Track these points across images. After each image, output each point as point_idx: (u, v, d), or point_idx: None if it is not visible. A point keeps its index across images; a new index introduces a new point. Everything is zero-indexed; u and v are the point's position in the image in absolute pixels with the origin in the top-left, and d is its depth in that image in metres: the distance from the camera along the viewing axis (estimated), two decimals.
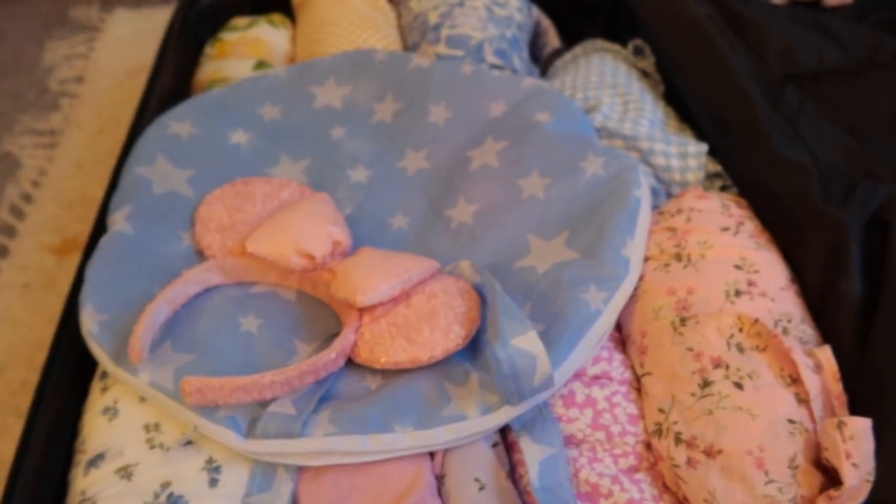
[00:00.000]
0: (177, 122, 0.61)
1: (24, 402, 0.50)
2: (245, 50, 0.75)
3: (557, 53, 0.78)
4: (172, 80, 0.72)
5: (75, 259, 0.55)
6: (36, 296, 0.72)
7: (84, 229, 0.58)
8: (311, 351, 0.48)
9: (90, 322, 0.47)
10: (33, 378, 0.51)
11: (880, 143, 0.62)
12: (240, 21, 0.79)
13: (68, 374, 0.50)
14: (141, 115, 0.67)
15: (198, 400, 0.42)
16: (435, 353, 0.45)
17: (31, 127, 0.89)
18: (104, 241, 0.52)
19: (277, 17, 0.80)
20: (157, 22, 0.89)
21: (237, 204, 0.55)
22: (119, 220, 0.53)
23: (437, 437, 0.42)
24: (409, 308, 0.47)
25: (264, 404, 0.44)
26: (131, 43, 1.00)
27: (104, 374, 0.49)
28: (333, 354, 0.44)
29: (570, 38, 0.79)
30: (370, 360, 0.46)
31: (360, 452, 0.42)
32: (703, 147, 0.58)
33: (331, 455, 0.43)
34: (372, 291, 0.46)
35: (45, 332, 0.56)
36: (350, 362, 0.47)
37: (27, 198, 0.81)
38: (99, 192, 0.60)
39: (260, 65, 0.75)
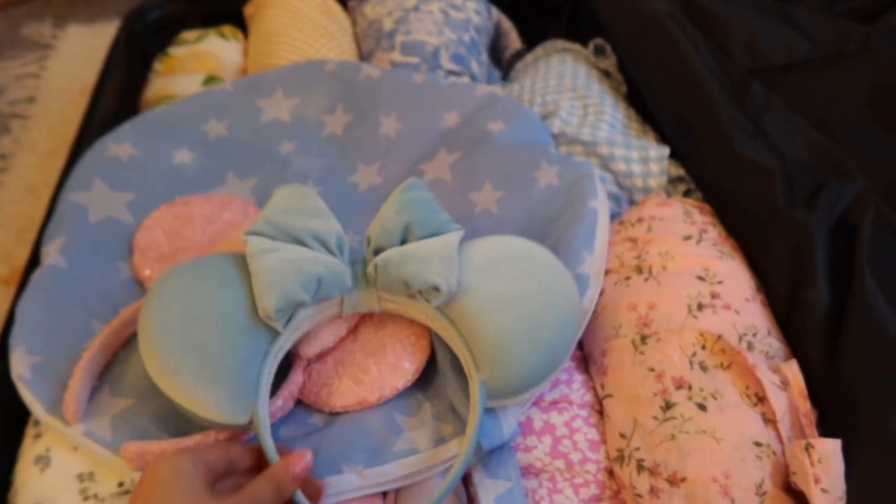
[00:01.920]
0: (116, 144, 0.58)
1: None
2: (194, 65, 0.73)
3: (519, 55, 0.76)
4: (116, 99, 0.69)
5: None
6: None
7: (25, 265, 0.55)
8: None
9: (21, 365, 0.44)
10: None
11: (850, 134, 0.60)
12: (189, 35, 0.76)
13: (1, 420, 0.47)
14: (82, 138, 0.64)
15: (139, 466, 0.39)
16: (383, 393, 0.43)
17: None
18: (36, 276, 0.49)
19: (228, 30, 0.77)
20: (110, 38, 0.86)
21: (176, 229, 0.52)
22: (52, 253, 0.50)
23: (388, 473, 0.40)
24: (355, 343, 0.44)
25: None
26: (84, 60, 0.97)
27: (36, 422, 0.46)
28: (280, 401, 0.42)
29: (533, 38, 0.76)
30: (318, 403, 0.43)
31: None
32: (665, 150, 0.56)
33: None
34: (315, 340, 0.44)
35: None
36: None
37: None
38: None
39: (210, 80, 0.72)
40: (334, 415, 0.43)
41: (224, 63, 0.74)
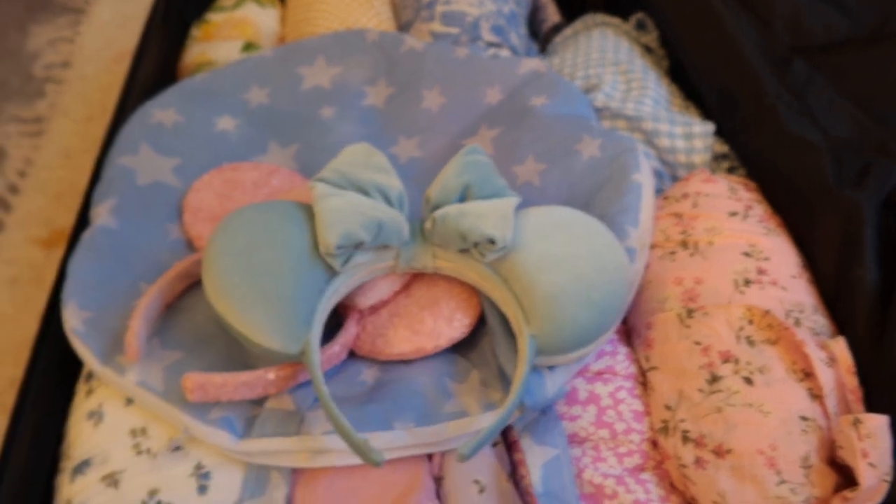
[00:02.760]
0: (160, 110, 0.58)
1: (12, 400, 0.48)
2: (232, 31, 0.73)
3: (557, 29, 0.75)
4: (156, 65, 0.69)
5: (64, 252, 0.54)
6: (24, 291, 0.70)
7: (73, 221, 0.56)
8: None
9: (74, 319, 0.45)
10: (21, 375, 0.49)
11: (892, 115, 0.60)
12: (226, 1, 0.76)
13: (53, 375, 0.48)
14: (124, 104, 0.64)
15: (200, 397, 0.40)
16: (439, 343, 0.44)
17: (16, 115, 0.87)
18: (87, 235, 0.50)
19: None
20: (143, 4, 0.86)
21: (227, 191, 0.53)
22: (102, 214, 0.51)
23: (439, 433, 0.41)
24: (409, 298, 0.45)
25: (260, 402, 0.42)
26: (117, 26, 0.97)
27: (89, 376, 0.47)
28: (337, 347, 0.43)
29: (571, 12, 0.76)
30: (373, 352, 0.44)
31: None
32: (710, 127, 0.55)
33: (328, 455, 0.41)
34: (371, 292, 0.45)
35: (33, 329, 0.54)
36: (349, 355, 0.45)
37: (13, 189, 0.79)
38: (87, 183, 0.58)
39: (248, 47, 0.72)
40: (384, 373, 0.44)
41: (261, 30, 0.74)
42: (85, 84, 0.90)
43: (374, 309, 0.45)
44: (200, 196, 0.52)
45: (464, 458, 0.37)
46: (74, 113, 0.87)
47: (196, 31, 0.74)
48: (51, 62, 0.93)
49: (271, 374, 0.41)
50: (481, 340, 0.44)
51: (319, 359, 0.40)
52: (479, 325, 0.45)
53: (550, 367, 0.42)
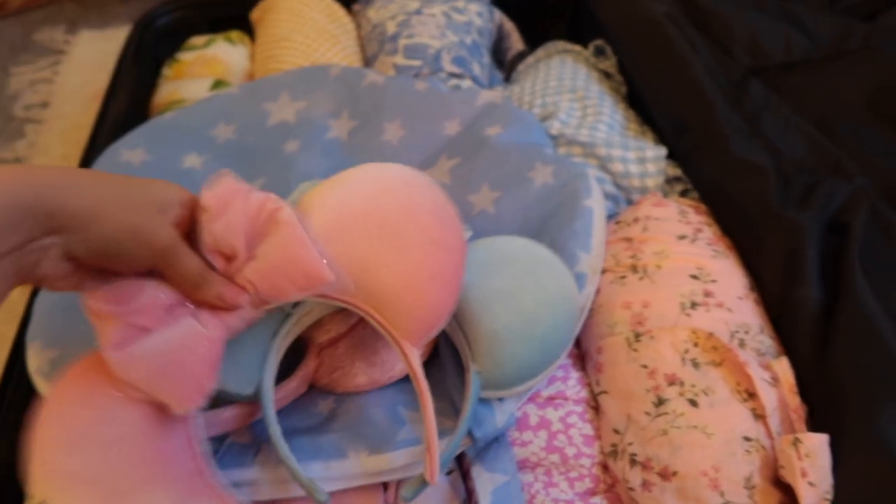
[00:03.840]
0: (128, 150, 0.60)
1: None
2: (202, 69, 0.74)
3: (521, 56, 0.77)
4: (127, 104, 0.71)
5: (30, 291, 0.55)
6: None
7: None
8: None
9: (39, 359, 0.46)
10: None
11: (850, 132, 0.61)
12: (197, 40, 0.78)
13: (18, 415, 0.49)
14: (94, 142, 0.66)
15: None
16: (393, 374, 0.45)
17: None
18: None
19: (235, 35, 0.79)
20: (121, 43, 0.88)
21: None
22: None
23: (393, 461, 0.41)
24: (366, 328, 0.46)
25: (222, 438, 0.43)
26: (96, 65, 0.98)
27: None
28: (295, 383, 0.44)
29: (535, 39, 0.77)
30: (331, 385, 0.45)
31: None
32: (662, 151, 0.57)
33: (284, 485, 0.42)
34: (328, 325, 0.46)
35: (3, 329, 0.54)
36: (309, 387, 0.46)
37: None
38: None
39: (217, 84, 0.73)
40: (338, 404, 0.44)
41: (231, 67, 0.76)
42: (63, 123, 0.92)
43: (332, 341, 0.46)
44: None
45: (406, 499, 0.38)
46: (53, 151, 0.88)
47: (167, 70, 0.76)
48: (31, 102, 0.95)
49: (228, 412, 0.42)
50: (434, 371, 0.45)
51: (272, 398, 0.41)
52: (434, 356, 0.46)
53: (500, 399, 0.42)
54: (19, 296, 0.73)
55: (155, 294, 0.35)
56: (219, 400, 0.42)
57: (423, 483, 0.38)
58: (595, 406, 0.46)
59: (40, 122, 0.92)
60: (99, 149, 0.63)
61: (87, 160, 0.64)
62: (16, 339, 0.52)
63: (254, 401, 0.41)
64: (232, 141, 0.61)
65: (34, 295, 0.52)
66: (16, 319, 0.71)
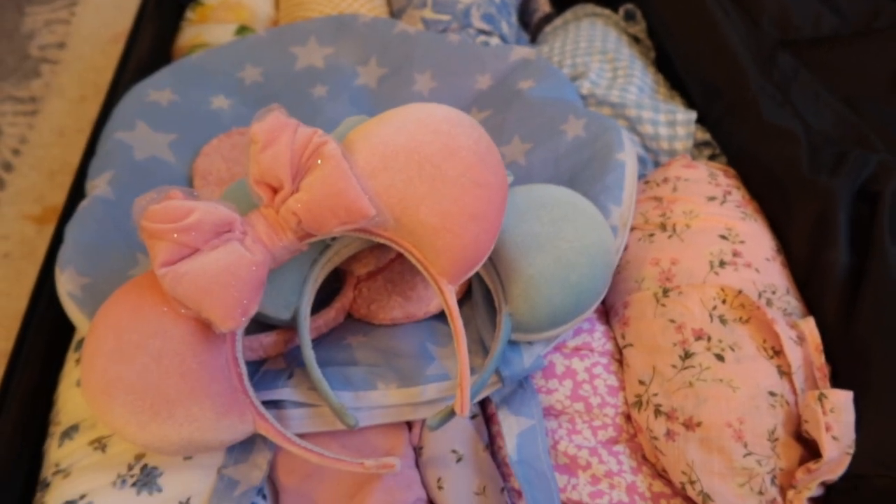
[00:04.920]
0: (155, 90, 0.59)
1: (2, 370, 0.49)
2: (226, 14, 0.74)
3: (548, 19, 0.76)
4: (151, 46, 0.70)
5: (56, 226, 0.54)
6: (16, 265, 0.71)
7: (65, 199, 0.57)
8: None
9: (71, 284, 0.46)
10: (12, 347, 0.50)
11: (876, 110, 0.61)
12: None
13: (43, 344, 0.49)
14: (118, 83, 0.65)
15: None
16: (429, 309, 0.45)
17: (11, 94, 0.87)
18: (84, 205, 0.51)
19: None
20: None
21: (234, 156, 0.54)
22: (100, 186, 0.52)
23: (420, 394, 0.42)
24: (403, 264, 0.47)
25: (260, 364, 0.44)
26: (113, 8, 0.97)
27: (79, 345, 0.48)
28: (333, 312, 0.45)
29: (562, 2, 0.77)
30: (368, 317, 0.46)
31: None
32: (692, 115, 0.57)
33: (313, 418, 0.42)
34: (366, 259, 0.46)
35: (25, 302, 0.55)
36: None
37: (7, 166, 0.80)
38: (80, 160, 0.59)
39: (242, 30, 0.73)
40: (370, 338, 0.45)
41: (256, 14, 0.75)
42: (80, 64, 0.91)
43: (371, 275, 0.47)
44: (210, 160, 0.54)
45: (432, 428, 0.39)
46: (69, 93, 0.87)
47: (191, 14, 0.75)
48: (46, 42, 0.94)
49: (268, 338, 0.43)
50: (465, 310, 0.45)
51: (308, 323, 0.42)
52: (466, 296, 0.46)
53: (529, 342, 0.43)
54: (37, 235, 0.73)
55: (204, 216, 0.35)
56: (258, 325, 0.43)
57: (450, 414, 0.39)
58: (619, 359, 0.46)
59: (56, 63, 0.91)
60: (122, 88, 0.63)
61: (111, 101, 0.64)
62: (41, 273, 0.52)
63: (291, 326, 0.42)
64: (259, 84, 0.61)
65: (59, 230, 0.52)
66: (33, 255, 0.72)
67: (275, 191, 0.37)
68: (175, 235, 0.35)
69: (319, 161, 0.37)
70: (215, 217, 0.36)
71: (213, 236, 0.35)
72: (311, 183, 0.37)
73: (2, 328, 0.66)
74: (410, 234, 0.38)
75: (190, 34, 0.73)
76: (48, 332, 0.49)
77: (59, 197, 0.76)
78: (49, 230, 0.73)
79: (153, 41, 0.72)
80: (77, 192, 0.55)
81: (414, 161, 0.38)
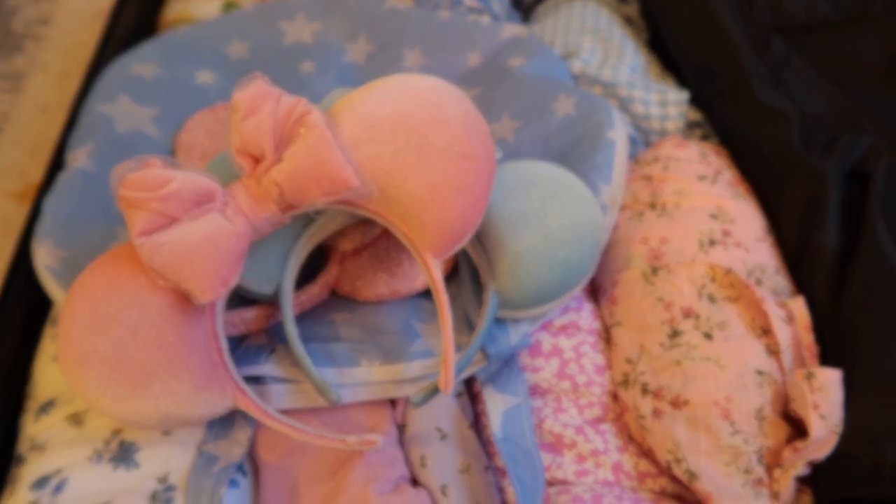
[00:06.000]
0: (140, 64, 0.58)
1: None
2: None
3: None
4: (136, 20, 0.69)
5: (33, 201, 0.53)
6: None
7: (44, 173, 0.56)
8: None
9: (49, 257, 0.44)
10: None
11: (868, 96, 0.61)
12: None
13: (20, 319, 0.48)
14: (101, 57, 0.64)
15: None
16: (415, 286, 0.45)
17: None
18: (63, 177, 0.50)
19: None
20: None
21: (218, 130, 0.53)
22: (80, 158, 0.51)
23: (406, 371, 0.41)
24: (389, 240, 0.46)
25: (241, 340, 0.43)
26: None
27: (56, 320, 0.47)
28: (317, 288, 0.44)
29: None
30: (353, 293, 0.45)
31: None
32: (684, 95, 0.56)
33: (294, 394, 0.42)
34: (352, 235, 0.45)
35: (2, 278, 0.54)
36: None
37: None
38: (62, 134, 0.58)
39: (229, 6, 0.71)
40: (354, 314, 0.44)
41: None
42: (64, 40, 0.89)
43: (356, 251, 0.46)
44: (193, 134, 0.53)
45: (416, 404, 0.38)
46: (53, 69, 0.86)
47: None
48: (30, 18, 0.92)
49: (250, 313, 0.42)
50: (451, 287, 0.45)
51: (291, 298, 0.41)
52: (453, 274, 0.45)
53: (515, 319, 0.42)
54: (16, 212, 0.72)
55: (184, 185, 0.34)
56: (239, 300, 0.42)
57: (434, 390, 0.38)
58: (606, 338, 0.46)
59: (40, 39, 0.90)
60: (105, 62, 0.62)
61: (93, 75, 0.62)
62: (18, 247, 0.51)
63: (273, 301, 0.41)
64: (246, 59, 0.60)
65: (37, 204, 0.51)
66: (13, 232, 0.70)
67: (257, 161, 0.37)
68: (154, 204, 0.34)
69: (303, 130, 0.36)
70: (195, 186, 0.35)
71: (192, 206, 0.34)
72: (294, 153, 0.36)
73: None
74: (396, 206, 0.38)
75: (176, 9, 0.71)
76: (25, 308, 0.48)
77: (40, 174, 0.75)
78: (29, 208, 0.72)
79: (138, 16, 0.71)
80: (56, 167, 0.54)
81: (400, 131, 0.37)
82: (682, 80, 0.60)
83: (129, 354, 0.35)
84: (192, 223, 0.34)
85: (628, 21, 0.67)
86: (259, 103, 0.36)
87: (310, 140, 0.36)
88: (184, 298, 0.36)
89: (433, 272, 0.38)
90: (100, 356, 0.35)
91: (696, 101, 0.57)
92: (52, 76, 0.85)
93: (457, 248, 0.39)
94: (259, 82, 0.37)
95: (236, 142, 0.36)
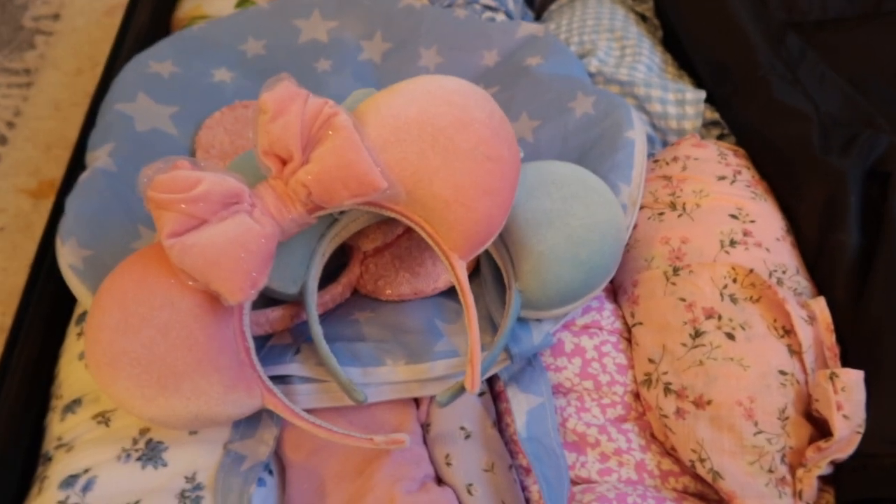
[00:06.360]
0: (156, 62, 0.58)
1: (2, 345, 0.49)
2: None
3: None
4: (149, 17, 0.69)
5: (52, 202, 0.54)
6: (12, 239, 0.70)
7: (62, 172, 0.56)
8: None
9: (73, 256, 0.44)
10: (11, 321, 0.50)
11: (882, 93, 0.61)
12: None
13: (43, 317, 0.48)
14: (117, 54, 0.64)
15: None
16: (437, 285, 0.45)
17: (4, 66, 0.86)
18: (85, 176, 0.50)
19: None
20: None
21: (238, 129, 0.53)
22: (101, 157, 0.51)
23: (429, 371, 0.41)
24: (411, 240, 0.46)
25: (266, 339, 0.43)
26: None
27: (81, 318, 0.47)
28: (340, 288, 0.45)
29: None
30: (375, 292, 0.46)
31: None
32: (701, 94, 0.56)
33: (320, 395, 0.42)
34: (374, 235, 0.46)
35: (22, 277, 0.54)
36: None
37: (2, 139, 0.78)
38: (76, 134, 0.58)
39: (242, 2, 0.71)
40: (378, 314, 0.44)
41: None
42: (75, 37, 0.89)
43: (378, 250, 0.46)
44: (213, 133, 0.53)
45: (441, 404, 0.38)
46: (64, 65, 0.86)
47: None
48: (40, 14, 0.92)
49: (275, 313, 0.42)
50: (474, 287, 0.45)
51: (315, 297, 0.41)
52: (475, 272, 0.46)
53: (538, 319, 0.43)
54: (32, 209, 0.72)
55: (213, 187, 0.34)
56: (264, 300, 0.42)
57: (460, 390, 0.38)
58: (628, 337, 0.46)
59: (51, 35, 0.90)
60: (122, 60, 0.62)
61: (109, 72, 0.62)
62: (40, 246, 0.51)
63: (298, 300, 0.41)
64: (262, 56, 0.60)
65: (58, 203, 0.51)
66: (29, 229, 0.71)
67: (284, 162, 0.37)
68: (183, 206, 0.34)
69: (330, 132, 0.36)
70: (224, 188, 0.35)
71: (221, 207, 0.35)
72: (321, 154, 0.36)
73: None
74: (422, 207, 0.38)
75: (189, 5, 0.71)
76: (48, 306, 0.49)
77: (54, 170, 0.75)
78: (45, 204, 0.72)
79: (152, 12, 0.71)
80: (76, 165, 0.54)
81: (427, 133, 0.37)
82: (696, 79, 0.60)
83: (160, 355, 0.35)
84: (220, 224, 0.34)
85: (643, 19, 0.67)
86: (286, 105, 0.36)
87: (337, 142, 0.36)
88: (213, 299, 0.36)
89: (459, 273, 0.38)
90: (130, 357, 0.35)
91: (711, 99, 0.57)
92: (64, 73, 0.85)
93: (481, 250, 0.39)
94: (286, 83, 0.37)
95: (263, 143, 0.36)
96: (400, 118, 0.37)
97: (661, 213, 0.48)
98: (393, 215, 0.39)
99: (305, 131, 0.36)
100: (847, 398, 0.38)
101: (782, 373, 0.40)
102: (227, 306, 0.36)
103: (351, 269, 0.45)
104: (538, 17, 0.75)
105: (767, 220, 0.47)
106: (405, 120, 0.37)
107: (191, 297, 0.35)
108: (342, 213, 0.42)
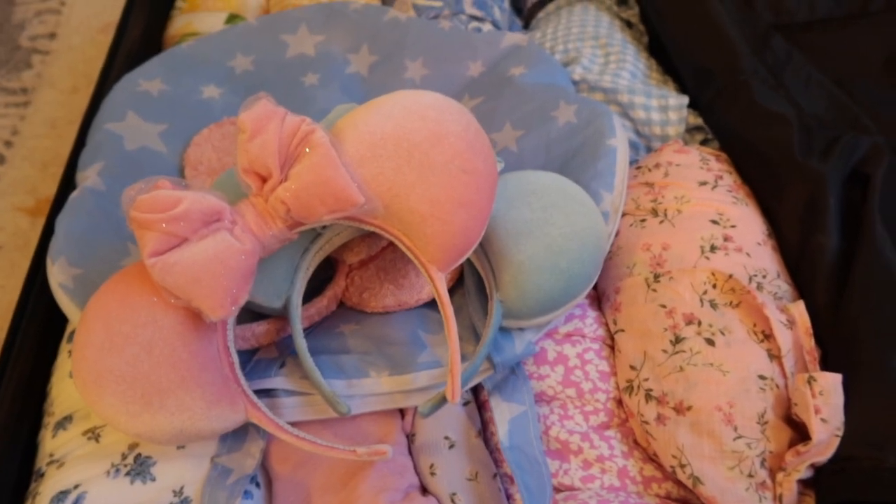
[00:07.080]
0: (146, 80, 0.59)
1: None
2: (217, 3, 0.73)
3: (541, 4, 0.76)
4: (141, 35, 0.70)
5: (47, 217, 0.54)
6: (10, 257, 0.71)
7: (56, 190, 0.57)
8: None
9: (63, 275, 0.45)
10: (4, 337, 0.50)
11: (869, 93, 0.61)
12: None
13: (36, 335, 0.49)
14: (107, 74, 0.65)
15: None
16: (421, 296, 0.46)
17: (3, 86, 0.87)
18: (75, 196, 0.51)
19: None
20: None
21: (226, 146, 0.54)
22: (90, 177, 0.52)
23: (413, 381, 0.42)
24: (395, 252, 0.47)
25: (252, 353, 0.44)
26: None
27: (72, 336, 0.48)
28: (325, 301, 0.45)
29: None
30: (360, 305, 0.46)
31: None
32: (684, 99, 0.57)
33: (304, 407, 0.42)
34: (358, 248, 0.46)
35: (18, 294, 0.55)
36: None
37: (0, 158, 0.80)
38: (71, 151, 0.59)
39: (232, 18, 0.72)
40: (362, 326, 0.45)
41: (246, 2, 0.74)
42: (71, 55, 0.90)
43: (363, 263, 0.47)
44: (201, 150, 0.54)
45: (424, 415, 0.39)
46: (60, 84, 0.87)
47: (181, 2, 0.74)
48: (37, 33, 0.94)
49: (260, 327, 0.43)
50: (457, 297, 0.45)
51: (300, 311, 0.42)
52: (458, 283, 0.46)
53: (520, 328, 0.43)
54: (30, 227, 0.73)
55: (193, 205, 0.35)
56: (250, 315, 0.43)
57: (442, 401, 0.39)
58: (611, 345, 0.46)
59: (47, 53, 0.91)
60: (113, 78, 0.63)
61: (101, 91, 0.63)
62: (33, 264, 0.52)
63: (283, 315, 0.42)
64: (250, 72, 0.61)
65: (50, 221, 0.52)
66: (27, 247, 0.71)
67: (263, 180, 0.37)
68: (164, 225, 0.35)
69: (308, 149, 0.37)
70: (204, 206, 0.36)
71: (201, 226, 0.35)
72: (299, 171, 0.37)
73: None
74: (399, 221, 0.38)
75: (180, 23, 0.72)
76: (41, 324, 0.49)
77: (52, 189, 0.76)
78: (42, 222, 0.73)
79: (143, 30, 0.72)
80: (68, 184, 0.55)
81: (402, 149, 0.38)
82: (681, 84, 0.61)
83: (144, 372, 0.36)
84: (201, 242, 0.35)
85: (628, 25, 0.68)
86: (264, 123, 0.37)
87: (315, 159, 0.37)
88: (195, 316, 0.37)
89: (437, 284, 0.39)
90: (115, 375, 0.36)
91: (695, 104, 0.58)
92: (60, 91, 0.86)
93: (460, 261, 0.40)
94: (264, 102, 0.37)
95: (243, 161, 0.37)
96: (376, 134, 0.38)
97: (643, 220, 0.49)
98: (373, 229, 0.39)
99: (283, 149, 0.37)
100: (825, 402, 0.38)
101: (762, 377, 0.40)
102: (209, 323, 0.37)
103: (336, 282, 0.46)
104: (526, 26, 0.76)
105: (748, 224, 0.47)
106: (381, 136, 0.38)
107: (174, 315, 0.36)
108: (325, 227, 0.43)
